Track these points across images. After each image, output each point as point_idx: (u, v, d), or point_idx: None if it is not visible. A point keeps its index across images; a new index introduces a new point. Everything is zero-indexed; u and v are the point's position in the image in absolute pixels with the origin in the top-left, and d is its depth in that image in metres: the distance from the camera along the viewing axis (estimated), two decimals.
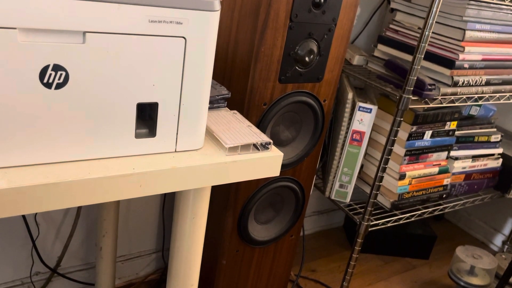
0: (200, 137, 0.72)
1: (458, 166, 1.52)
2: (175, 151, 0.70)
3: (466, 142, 1.53)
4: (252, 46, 0.97)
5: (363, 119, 1.32)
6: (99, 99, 0.60)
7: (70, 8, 0.54)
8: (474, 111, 1.57)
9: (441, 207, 1.50)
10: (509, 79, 1.39)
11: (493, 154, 1.60)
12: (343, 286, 1.43)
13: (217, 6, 0.63)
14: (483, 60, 1.30)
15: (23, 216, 1.21)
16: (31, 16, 0.52)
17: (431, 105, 1.24)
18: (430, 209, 1.47)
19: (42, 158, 0.60)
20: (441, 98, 1.25)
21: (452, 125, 1.44)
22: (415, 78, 1.14)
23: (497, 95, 1.37)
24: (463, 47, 1.24)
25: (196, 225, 0.80)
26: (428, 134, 1.39)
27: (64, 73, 0.57)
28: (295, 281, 1.63)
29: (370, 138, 1.45)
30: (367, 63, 1.44)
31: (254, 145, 0.75)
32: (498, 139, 1.59)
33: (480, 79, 1.31)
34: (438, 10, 1.07)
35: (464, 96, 1.29)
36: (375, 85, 1.29)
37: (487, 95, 1.35)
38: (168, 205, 1.49)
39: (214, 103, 0.86)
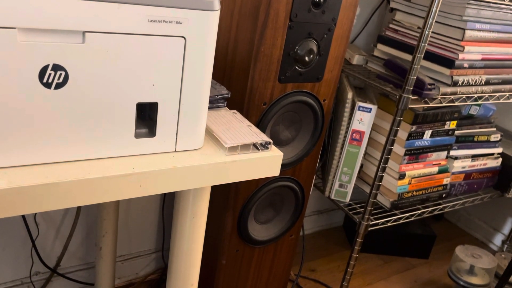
0: (200, 137, 0.72)
1: (457, 165, 1.52)
2: (175, 151, 0.70)
3: (465, 141, 1.53)
4: (251, 45, 0.97)
5: (363, 118, 1.32)
6: (98, 99, 0.60)
7: (70, 8, 0.54)
8: (473, 111, 1.58)
9: (441, 206, 1.50)
10: (509, 78, 1.39)
11: (492, 154, 1.61)
12: (343, 286, 1.43)
13: (217, 5, 0.63)
14: (482, 59, 1.30)
15: (23, 216, 1.21)
16: (30, 16, 0.52)
17: (430, 105, 1.24)
18: (430, 209, 1.47)
19: (42, 158, 0.60)
20: (441, 98, 1.25)
21: (452, 124, 1.44)
22: (415, 77, 1.14)
23: (497, 94, 1.37)
24: (463, 47, 1.24)
25: (196, 224, 0.80)
26: (427, 133, 1.39)
27: (63, 73, 0.57)
28: (295, 281, 1.63)
29: (369, 137, 1.45)
30: (366, 63, 1.44)
31: (254, 145, 0.75)
32: (498, 139, 1.59)
33: (480, 79, 1.31)
34: (437, 9, 1.07)
35: (464, 96, 1.29)
36: (375, 85, 1.29)
37: (486, 95, 1.35)
38: (168, 204, 1.49)
39: (214, 103, 0.86)
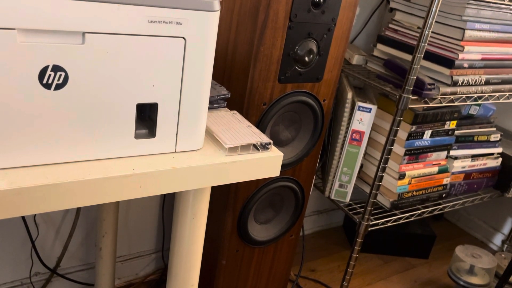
0: (200, 137, 0.72)
1: (457, 165, 1.52)
2: (175, 151, 0.70)
3: (465, 141, 1.53)
4: (251, 46, 0.97)
5: (363, 118, 1.32)
6: (98, 100, 0.60)
7: (70, 9, 0.54)
8: (473, 111, 1.58)
9: (441, 206, 1.50)
10: (509, 78, 1.39)
11: (492, 154, 1.61)
12: (343, 286, 1.43)
13: (217, 6, 0.63)
14: (482, 59, 1.30)
15: (23, 217, 1.21)
16: (30, 17, 0.52)
17: (430, 105, 1.24)
18: (430, 209, 1.47)
19: (42, 159, 0.60)
20: (441, 98, 1.25)
21: (452, 124, 1.44)
22: (415, 77, 1.14)
23: (497, 94, 1.37)
24: (463, 47, 1.24)
25: (196, 225, 0.80)
26: (427, 133, 1.39)
27: (63, 73, 0.57)
28: (295, 281, 1.63)
29: (369, 137, 1.45)
30: (366, 63, 1.44)
31: (254, 145, 0.75)
32: (498, 139, 1.59)
33: (480, 79, 1.31)
34: (437, 9, 1.07)
35: (464, 96, 1.29)
36: (375, 85, 1.29)
37: (486, 95, 1.35)
38: (167, 205, 1.49)
39: (213, 103, 0.86)
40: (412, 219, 1.43)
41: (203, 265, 1.30)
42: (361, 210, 1.40)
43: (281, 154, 0.77)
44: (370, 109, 1.31)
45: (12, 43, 0.52)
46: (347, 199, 1.44)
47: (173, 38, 0.62)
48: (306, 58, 1.04)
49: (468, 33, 1.23)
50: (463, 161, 1.53)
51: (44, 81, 0.56)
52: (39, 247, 1.30)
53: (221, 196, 1.16)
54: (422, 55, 1.12)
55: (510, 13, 1.30)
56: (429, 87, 1.19)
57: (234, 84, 1.05)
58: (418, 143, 1.39)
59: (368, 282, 1.70)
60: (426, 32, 1.09)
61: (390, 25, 1.42)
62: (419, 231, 1.87)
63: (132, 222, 1.44)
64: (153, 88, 0.64)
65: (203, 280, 1.32)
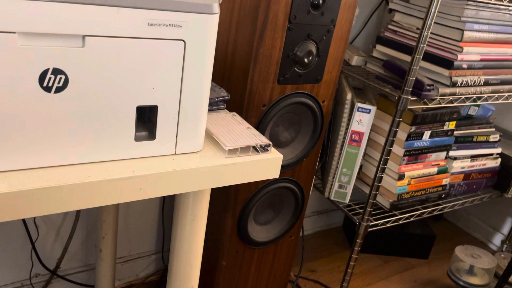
0: (199, 139, 0.72)
1: (457, 166, 1.52)
2: (175, 153, 0.70)
3: (464, 142, 1.53)
4: (251, 47, 0.98)
5: (362, 119, 1.32)
6: (98, 103, 0.60)
7: (70, 12, 0.54)
8: (472, 111, 1.58)
9: (440, 207, 1.51)
10: (508, 79, 1.39)
11: (491, 154, 1.61)
12: (343, 286, 1.43)
13: (216, 9, 0.63)
14: (481, 60, 1.30)
15: (22, 218, 1.21)
16: (30, 20, 0.52)
17: (429, 106, 1.24)
18: (429, 209, 1.48)
19: (42, 162, 0.60)
20: (440, 99, 1.25)
21: (451, 125, 1.44)
22: (414, 78, 1.15)
23: (496, 95, 1.38)
24: (462, 48, 1.24)
25: (196, 226, 0.80)
26: (427, 134, 1.40)
27: (63, 76, 0.57)
28: (295, 282, 1.63)
29: (369, 138, 1.45)
30: (365, 64, 1.44)
31: (254, 147, 0.75)
32: (497, 139, 1.59)
33: (479, 79, 1.32)
34: (436, 10, 1.07)
35: (463, 96, 1.29)
36: (374, 86, 1.29)
37: (485, 95, 1.35)
38: (167, 206, 1.49)
39: (213, 105, 0.86)
40: (412, 219, 1.44)
41: (203, 267, 1.30)
42: (360, 210, 1.40)
43: (281, 156, 0.77)
44: (370, 110, 1.31)
45: (12, 46, 0.53)
46: (347, 200, 1.45)
47: (173, 41, 0.62)
48: (306, 60, 1.04)
49: (467, 34, 1.23)
50: (463, 162, 1.53)
51: (45, 84, 0.56)
52: (39, 249, 1.30)
53: (221, 198, 1.16)
54: (421, 56, 1.12)
55: (508, 13, 1.30)
56: (428, 88, 1.19)
57: (233, 85, 1.06)
58: (417, 143, 1.39)
59: (368, 282, 1.71)
60: (425, 33, 1.09)
61: (389, 26, 1.42)
62: (418, 231, 1.87)
63: (132, 223, 1.45)
64: (153, 90, 0.64)
65: (203, 281, 1.32)
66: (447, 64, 1.25)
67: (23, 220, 1.21)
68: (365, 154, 1.49)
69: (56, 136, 0.60)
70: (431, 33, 1.31)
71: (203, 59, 0.66)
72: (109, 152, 0.64)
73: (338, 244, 1.91)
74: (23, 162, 0.59)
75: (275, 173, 0.78)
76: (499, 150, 1.61)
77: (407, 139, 1.36)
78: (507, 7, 1.28)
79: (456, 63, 1.24)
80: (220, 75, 1.10)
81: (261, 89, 1.02)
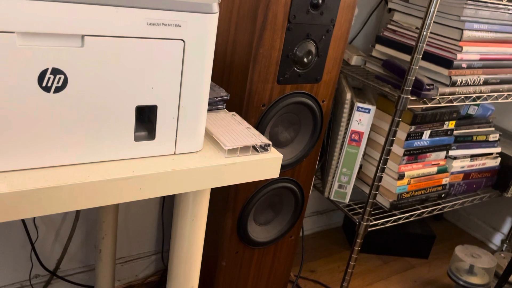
0: (199, 139, 0.72)
1: (456, 165, 1.52)
2: (175, 153, 0.70)
3: (464, 141, 1.53)
4: (250, 47, 0.97)
5: (362, 119, 1.32)
6: (98, 102, 0.60)
7: (69, 12, 0.54)
8: (472, 111, 1.58)
9: (440, 206, 1.51)
10: (507, 78, 1.39)
11: (491, 153, 1.61)
12: (343, 286, 1.43)
13: (216, 8, 0.63)
14: (481, 59, 1.30)
15: (22, 219, 1.21)
16: (29, 20, 0.52)
17: (429, 105, 1.24)
18: (429, 209, 1.48)
19: (41, 162, 0.60)
20: (439, 98, 1.25)
21: (451, 124, 1.44)
22: (413, 78, 1.15)
23: (495, 94, 1.38)
24: (461, 47, 1.24)
25: (196, 226, 0.80)
26: (426, 134, 1.40)
27: (62, 76, 0.57)
28: (295, 282, 1.63)
29: (368, 138, 1.45)
30: (365, 64, 1.44)
31: (254, 147, 0.75)
32: (496, 138, 1.59)
33: (478, 79, 1.32)
34: (435, 10, 1.07)
35: (462, 96, 1.29)
36: (373, 85, 1.29)
37: (485, 95, 1.35)
38: (167, 206, 1.49)
39: (213, 105, 0.86)
40: (412, 219, 1.44)
41: (203, 267, 1.30)
42: (360, 210, 1.40)
43: (281, 156, 0.77)
44: (369, 109, 1.31)
45: (11, 46, 0.52)
46: (347, 200, 1.45)
47: (172, 41, 0.62)
48: (305, 59, 1.04)
49: (466, 34, 1.23)
50: (462, 161, 1.53)
51: (44, 84, 0.56)
52: (38, 249, 1.29)
53: (221, 198, 1.16)
54: (421, 56, 1.12)
55: (508, 13, 1.30)
56: (428, 87, 1.19)
57: (233, 85, 1.05)
58: (417, 143, 1.39)
59: (368, 282, 1.71)
60: (425, 33, 1.09)
61: (389, 26, 1.42)
62: (418, 231, 1.87)
63: (132, 223, 1.44)
64: (152, 90, 0.64)
65: (203, 282, 1.32)
66: (447, 63, 1.25)
67: (23, 221, 1.21)
68: (364, 154, 1.49)
69: (55, 136, 0.59)
70: (431, 32, 1.31)
71: (203, 59, 0.65)
72: (109, 152, 0.64)
73: (338, 244, 1.91)
74: (23, 162, 0.59)
75: (275, 173, 0.78)
76: (498, 149, 1.61)
77: (406, 139, 1.36)
78: (506, 7, 1.29)
79: (455, 62, 1.24)
80: (220, 75, 1.10)
81: (261, 89, 1.02)
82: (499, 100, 1.40)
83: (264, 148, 0.76)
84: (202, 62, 0.66)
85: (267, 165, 0.76)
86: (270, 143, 0.77)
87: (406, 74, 1.14)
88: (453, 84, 1.26)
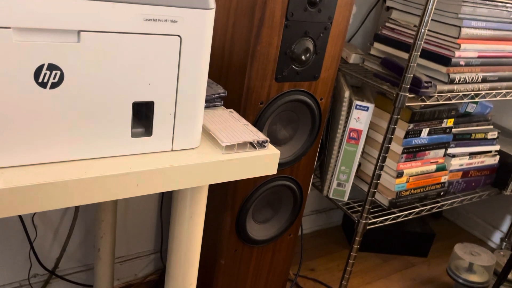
0: (196, 136, 0.72)
1: (455, 163, 1.52)
2: (172, 150, 0.70)
3: (463, 139, 1.53)
4: (248, 45, 0.97)
5: (360, 117, 1.32)
6: (94, 98, 0.60)
7: (65, 7, 0.54)
8: (470, 108, 1.58)
9: (439, 204, 1.50)
10: (505, 76, 1.39)
11: (490, 151, 1.61)
12: (342, 285, 1.43)
13: (212, 4, 0.63)
14: (479, 57, 1.30)
15: (21, 218, 1.21)
16: (25, 16, 0.52)
17: (427, 103, 1.24)
18: (428, 207, 1.48)
19: (38, 158, 0.60)
20: (438, 96, 1.25)
21: (449, 122, 1.44)
22: (412, 75, 1.14)
23: (494, 92, 1.38)
24: (459, 45, 1.24)
25: (194, 223, 0.80)
26: (425, 131, 1.40)
27: (59, 72, 0.57)
28: (294, 280, 1.63)
29: (367, 136, 1.45)
30: (363, 62, 1.44)
31: (251, 143, 0.75)
32: (495, 136, 1.59)
33: (477, 76, 1.32)
34: (433, 7, 1.07)
35: (461, 93, 1.29)
36: (372, 83, 1.29)
37: (483, 92, 1.35)
38: (166, 205, 1.49)
39: (210, 102, 0.86)
40: (411, 217, 1.44)
41: (202, 265, 1.30)
42: (359, 208, 1.40)
43: (278, 152, 0.77)
44: (368, 107, 1.31)
45: (7, 42, 0.52)
46: (345, 198, 1.45)
47: (169, 36, 0.62)
48: (303, 57, 1.04)
49: (464, 31, 1.23)
50: (461, 159, 1.53)
51: (40, 80, 0.56)
52: (37, 249, 1.29)
53: (219, 196, 1.16)
54: (419, 53, 1.12)
55: (506, 10, 1.30)
56: (426, 85, 1.19)
57: (231, 83, 1.05)
58: (415, 141, 1.39)
59: (367, 281, 1.70)
60: (423, 30, 1.09)
61: (387, 24, 1.42)
62: (418, 229, 1.87)
63: (131, 223, 1.44)
64: (149, 86, 0.64)
65: (202, 280, 1.32)
66: (445, 61, 1.25)
67: (21, 220, 1.21)
68: (363, 152, 1.49)
69: (52, 132, 0.59)
70: (429, 30, 1.31)
71: (199, 55, 0.65)
72: (106, 148, 0.64)
73: (337, 243, 1.91)
74: (19, 159, 0.59)
75: (272, 169, 0.78)
76: (497, 147, 1.61)
77: (405, 137, 1.36)
78: (504, 4, 1.29)
79: (453, 60, 1.24)
80: (218, 73, 1.10)
81: (259, 86, 1.02)
82: (498, 98, 1.40)
83: (261, 144, 0.76)
84: (199, 58, 0.66)
85: (265, 161, 0.76)
86: (268, 139, 0.77)
87: (404, 72, 1.14)
88: (451, 81, 1.26)
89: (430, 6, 1.07)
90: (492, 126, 1.61)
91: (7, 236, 1.23)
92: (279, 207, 1.27)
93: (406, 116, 1.34)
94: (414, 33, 1.32)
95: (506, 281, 1.63)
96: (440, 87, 1.24)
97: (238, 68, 1.02)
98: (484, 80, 1.34)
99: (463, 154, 1.54)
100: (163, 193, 1.46)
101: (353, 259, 1.38)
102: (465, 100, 1.32)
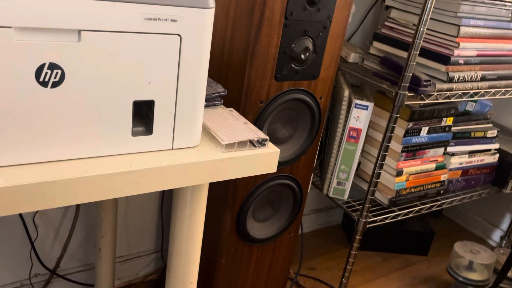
0: (196, 134, 0.72)
1: (455, 162, 1.52)
2: (172, 148, 0.71)
3: (462, 137, 1.53)
4: (247, 44, 0.98)
5: (360, 116, 1.33)
6: (95, 97, 0.61)
7: (65, 7, 0.54)
8: (470, 107, 1.58)
9: (439, 203, 1.51)
10: (504, 74, 1.40)
11: (489, 150, 1.61)
12: (342, 283, 1.43)
13: (212, 3, 0.64)
14: (478, 55, 1.31)
15: (21, 218, 1.21)
16: (26, 15, 0.53)
17: (427, 101, 1.24)
18: (428, 205, 1.48)
19: (39, 157, 0.60)
20: (437, 94, 1.25)
21: (448, 121, 1.45)
22: (411, 74, 1.15)
23: (493, 90, 1.38)
24: (458, 43, 1.24)
25: (195, 222, 0.80)
26: (424, 130, 1.40)
27: (60, 71, 0.57)
28: (294, 279, 1.63)
29: (367, 135, 1.45)
30: (363, 61, 1.44)
31: (251, 141, 0.76)
32: (494, 135, 1.59)
33: (476, 75, 1.32)
34: (432, 6, 1.07)
35: (460, 92, 1.30)
36: (371, 82, 1.29)
37: (482, 91, 1.35)
38: (166, 205, 1.49)
39: (210, 101, 0.87)
40: (410, 215, 1.44)
41: (203, 264, 1.31)
42: (359, 207, 1.40)
43: (278, 150, 0.77)
44: (367, 106, 1.31)
45: (8, 41, 0.53)
46: (345, 197, 1.45)
47: (169, 35, 0.62)
48: (302, 56, 1.04)
49: (463, 30, 1.23)
50: (461, 158, 1.53)
51: (41, 79, 0.56)
52: (38, 248, 1.30)
53: (220, 195, 1.16)
54: (418, 52, 1.12)
55: (504, 9, 1.30)
56: (425, 83, 1.20)
57: (230, 82, 1.06)
58: (415, 139, 1.39)
59: (367, 279, 1.71)
60: (422, 29, 1.09)
61: (386, 23, 1.42)
62: (417, 228, 1.87)
63: (131, 222, 1.45)
64: (149, 85, 0.64)
65: (203, 279, 1.32)
66: (444, 59, 1.25)
67: (22, 220, 1.21)
68: (363, 150, 1.49)
69: (53, 131, 0.60)
70: (428, 29, 1.31)
71: (199, 54, 0.66)
72: (107, 147, 0.65)
73: (337, 241, 1.91)
74: (20, 157, 0.59)
75: (272, 168, 0.78)
76: (497, 145, 1.62)
77: (404, 135, 1.36)
78: (502, 3, 1.29)
79: (452, 58, 1.24)
80: (217, 72, 1.11)
81: (258, 85, 1.02)
82: (497, 96, 1.40)
83: (261, 143, 0.76)
84: (199, 57, 0.66)
85: (265, 159, 0.77)
86: (267, 138, 0.77)
87: (404, 71, 1.14)
88: (451, 80, 1.26)
89: (429, 5, 1.07)
90: (491, 125, 1.62)
91: (8, 235, 1.23)
92: (279, 206, 1.27)
93: (405, 114, 1.35)
94: (413, 32, 1.33)
95: (506, 279, 1.63)
96: (439, 85, 1.25)
97: (237, 67, 1.02)
98: (483, 79, 1.34)
99: (462, 153, 1.54)
100: (163, 192, 1.46)
101: (353, 258, 1.38)
102: (464, 99, 1.32)
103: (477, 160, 1.58)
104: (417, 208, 1.45)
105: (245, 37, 0.98)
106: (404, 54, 1.34)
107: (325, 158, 1.48)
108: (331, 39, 1.08)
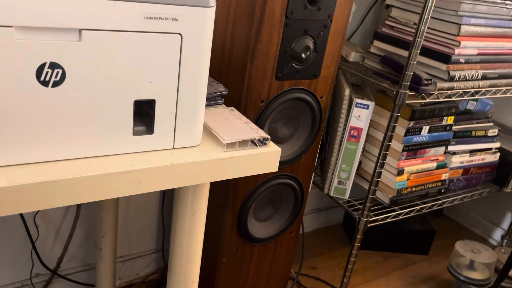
0: (198, 133, 0.72)
1: (456, 161, 1.52)
2: (173, 148, 0.71)
3: (463, 136, 1.53)
4: (248, 43, 0.98)
5: (361, 115, 1.32)
6: (96, 97, 0.61)
7: (66, 6, 0.54)
8: (471, 106, 1.58)
9: (440, 202, 1.51)
10: (505, 73, 1.40)
11: (490, 149, 1.61)
12: (343, 283, 1.43)
13: (212, 2, 0.64)
14: (479, 54, 1.31)
15: (22, 218, 1.21)
16: (27, 14, 0.53)
17: (428, 100, 1.24)
18: (429, 204, 1.48)
19: (40, 157, 0.60)
20: (438, 93, 1.25)
21: (449, 120, 1.44)
22: (412, 73, 1.15)
23: (494, 89, 1.38)
24: (459, 42, 1.24)
25: (196, 221, 0.80)
26: (425, 129, 1.40)
27: (60, 71, 0.57)
28: (295, 279, 1.63)
29: (367, 134, 1.45)
30: (363, 60, 1.44)
31: (252, 141, 0.75)
32: (495, 133, 1.59)
33: (476, 74, 1.32)
34: (433, 5, 1.07)
35: (461, 91, 1.30)
36: (372, 81, 1.29)
37: (483, 90, 1.35)
38: (167, 204, 1.49)
39: (211, 100, 0.86)
40: (411, 215, 1.44)
41: (204, 264, 1.31)
42: (360, 206, 1.40)
43: (279, 150, 0.77)
44: (368, 105, 1.31)
45: (9, 40, 0.53)
46: (346, 196, 1.45)
47: (169, 34, 0.62)
48: (303, 55, 1.04)
49: (464, 28, 1.23)
50: (461, 156, 1.53)
51: (42, 78, 0.56)
52: (39, 248, 1.30)
53: (220, 194, 1.16)
54: (419, 51, 1.12)
55: (505, 8, 1.30)
56: (426, 82, 1.19)
57: (231, 81, 1.06)
58: (416, 139, 1.39)
59: (368, 278, 1.71)
60: (422, 28, 1.09)
61: (387, 22, 1.42)
62: (418, 227, 1.87)
63: (132, 222, 1.45)
64: (150, 84, 0.64)
65: (204, 279, 1.32)
66: (445, 58, 1.25)
67: (23, 220, 1.21)
68: (364, 150, 1.49)
69: (54, 131, 0.60)
70: (428, 28, 1.31)
71: (200, 53, 0.66)
72: (108, 147, 0.65)
73: (338, 241, 1.91)
74: (22, 157, 0.59)
75: (273, 167, 0.78)
76: (497, 144, 1.61)
77: (405, 134, 1.36)
78: (503, 1, 1.29)
79: (453, 57, 1.24)
80: (218, 72, 1.11)
81: (259, 85, 1.02)
82: (498, 95, 1.40)
83: (262, 142, 0.76)
84: (200, 55, 0.66)
85: (266, 159, 0.76)
86: (269, 137, 0.77)
87: (404, 70, 1.14)
88: (451, 79, 1.26)
89: (429, 4, 1.07)
90: (492, 124, 1.61)
91: (9, 236, 1.23)
92: (280, 205, 1.27)
93: (406, 113, 1.34)
94: (413, 30, 1.33)
95: (507, 278, 1.63)
96: (440, 84, 1.24)
97: (238, 67, 1.02)
98: (484, 77, 1.34)
99: (463, 152, 1.54)
100: (164, 191, 1.46)
101: (354, 257, 1.38)
102: (465, 98, 1.32)
103: (478, 159, 1.58)
104: (418, 207, 1.45)
105: (245, 36, 0.98)
106: (404, 53, 1.34)
107: (326, 157, 1.48)
108: (332, 38, 1.08)
